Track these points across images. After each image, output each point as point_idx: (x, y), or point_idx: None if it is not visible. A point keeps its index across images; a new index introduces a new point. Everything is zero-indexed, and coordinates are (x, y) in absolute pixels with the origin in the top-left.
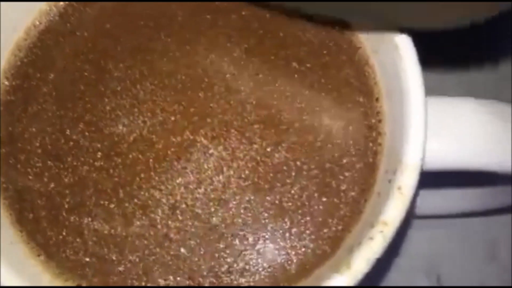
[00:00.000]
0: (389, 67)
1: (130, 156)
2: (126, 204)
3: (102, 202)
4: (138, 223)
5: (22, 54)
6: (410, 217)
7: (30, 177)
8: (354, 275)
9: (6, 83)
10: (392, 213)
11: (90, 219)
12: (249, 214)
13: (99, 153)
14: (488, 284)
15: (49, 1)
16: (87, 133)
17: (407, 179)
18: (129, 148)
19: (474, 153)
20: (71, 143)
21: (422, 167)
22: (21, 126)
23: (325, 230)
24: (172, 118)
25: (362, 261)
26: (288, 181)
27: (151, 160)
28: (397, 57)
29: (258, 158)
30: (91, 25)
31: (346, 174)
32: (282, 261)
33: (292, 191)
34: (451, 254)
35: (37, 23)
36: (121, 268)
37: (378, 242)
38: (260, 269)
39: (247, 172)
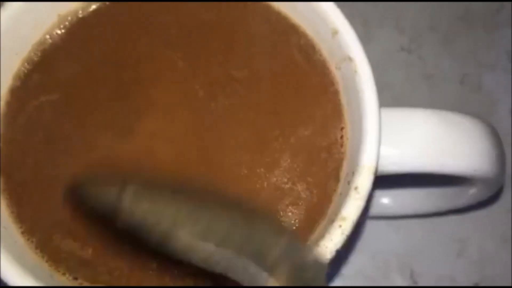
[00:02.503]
0: (349, 81)
1: None
2: None
3: None
4: None
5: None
6: (366, 216)
7: None
8: None
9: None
10: (350, 209)
11: None
12: None
13: None
14: (458, 278)
15: None
16: None
17: (363, 180)
18: None
19: (425, 157)
20: None
21: (376, 169)
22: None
23: (294, 228)
24: None
25: (323, 252)
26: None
27: None
28: (355, 74)
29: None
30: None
31: (311, 178)
32: None
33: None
34: (423, 251)
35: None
36: None
37: (337, 235)
38: None
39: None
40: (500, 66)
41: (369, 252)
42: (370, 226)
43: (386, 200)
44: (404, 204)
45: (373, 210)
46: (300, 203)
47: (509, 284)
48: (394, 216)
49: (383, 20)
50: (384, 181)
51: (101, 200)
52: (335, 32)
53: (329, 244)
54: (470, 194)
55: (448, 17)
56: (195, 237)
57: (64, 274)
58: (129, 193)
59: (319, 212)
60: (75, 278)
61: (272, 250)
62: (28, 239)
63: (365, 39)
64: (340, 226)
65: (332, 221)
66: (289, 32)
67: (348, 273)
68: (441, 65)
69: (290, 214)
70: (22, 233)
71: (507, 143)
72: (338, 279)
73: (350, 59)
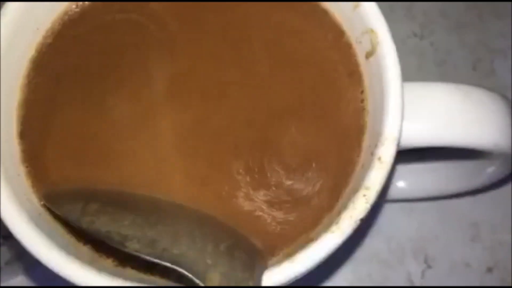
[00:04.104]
0: (370, 54)
1: None
2: None
3: None
4: None
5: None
6: (384, 199)
7: None
8: (342, 232)
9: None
10: (374, 179)
11: None
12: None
13: None
14: (472, 263)
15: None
16: None
17: (386, 150)
18: None
19: (448, 130)
20: None
21: (399, 139)
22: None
23: (317, 199)
24: None
25: (348, 221)
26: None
27: None
28: (377, 45)
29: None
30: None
31: (335, 150)
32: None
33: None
34: (438, 236)
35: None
36: None
37: (361, 203)
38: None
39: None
40: None
41: (384, 236)
42: (385, 210)
43: (402, 183)
44: (421, 185)
45: (389, 194)
46: (322, 175)
47: None
48: (410, 199)
49: (394, 7)
50: (404, 156)
51: (68, 215)
52: (356, 6)
53: (353, 213)
54: (488, 172)
55: (460, 4)
56: (141, 248)
57: (85, 245)
58: (89, 211)
59: (342, 182)
60: (95, 250)
61: (206, 259)
62: (47, 210)
63: None
64: (364, 195)
65: (356, 191)
66: (310, 7)
67: (362, 257)
68: (453, 51)
69: (313, 184)
70: (43, 205)
71: None
72: (352, 262)
73: (372, 31)
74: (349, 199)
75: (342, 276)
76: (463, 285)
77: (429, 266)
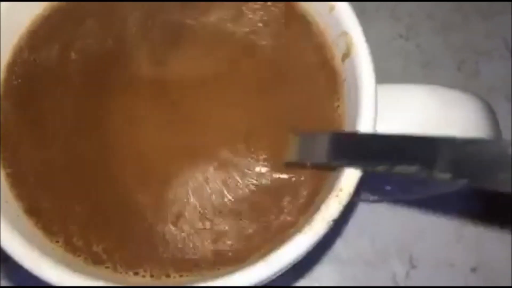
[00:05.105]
0: (345, 56)
1: None
2: None
3: None
4: None
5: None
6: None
7: None
8: (315, 232)
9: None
10: (346, 180)
11: None
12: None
13: None
14: (456, 263)
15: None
16: None
17: None
18: None
19: (423, 132)
20: None
21: None
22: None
23: (292, 201)
24: None
25: (321, 221)
26: None
27: None
28: (351, 47)
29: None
30: None
31: None
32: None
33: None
34: (422, 236)
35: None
36: None
37: (334, 204)
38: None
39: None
40: (497, 53)
41: (369, 236)
42: (370, 210)
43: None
44: (403, 186)
45: (373, 194)
46: (297, 176)
47: (505, 269)
48: (394, 199)
49: (379, 8)
50: None
51: None
52: (331, 8)
53: (326, 214)
54: None
55: (445, 5)
56: None
57: (57, 242)
58: None
59: (317, 184)
60: (71, 249)
61: None
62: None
63: (362, 27)
64: (337, 196)
65: (329, 192)
66: (286, 9)
67: (347, 257)
68: (438, 52)
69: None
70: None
71: (505, 129)
72: (337, 263)
73: (346, 33)
74: (323, 200)
75: (327, 276)
76: (447, 285)
77: (413, 266)
